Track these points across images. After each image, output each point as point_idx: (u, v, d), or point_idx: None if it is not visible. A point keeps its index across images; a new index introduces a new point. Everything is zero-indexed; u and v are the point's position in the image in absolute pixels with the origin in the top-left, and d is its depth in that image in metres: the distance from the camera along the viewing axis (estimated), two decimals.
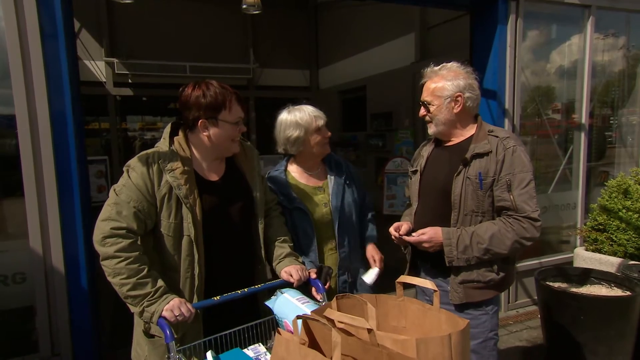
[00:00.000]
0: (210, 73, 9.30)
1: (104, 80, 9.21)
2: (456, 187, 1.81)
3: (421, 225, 1.87)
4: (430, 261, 1.93)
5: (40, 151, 2.44)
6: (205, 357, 1.40)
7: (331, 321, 1.01)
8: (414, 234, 1.85)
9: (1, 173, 2.59)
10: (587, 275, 3.12)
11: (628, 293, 2.81)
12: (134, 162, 1.57)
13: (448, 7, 4.38)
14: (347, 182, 2.16)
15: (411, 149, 7.72)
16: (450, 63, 1.91)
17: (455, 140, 1.93)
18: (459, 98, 1.83)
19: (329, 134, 2.10)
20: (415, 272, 2.06)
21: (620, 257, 3.38)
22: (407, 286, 1.27)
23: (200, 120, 1.60)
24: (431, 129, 1.94)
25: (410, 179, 2.11)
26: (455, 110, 1.85)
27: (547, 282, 3.02)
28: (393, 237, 1.91)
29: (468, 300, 1.83)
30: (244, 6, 7.34)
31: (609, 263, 3.36)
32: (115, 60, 9.05)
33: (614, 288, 2.96)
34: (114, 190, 1.55)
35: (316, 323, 1.07)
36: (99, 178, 5.91)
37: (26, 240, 2.46)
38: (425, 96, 1.90)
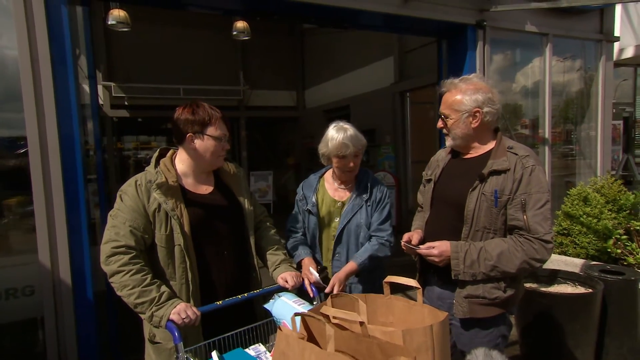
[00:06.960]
0: (203, 95, 9.40)
1: (102, 102, 9.18)
2: (470, 202, 1.69)
3: (432, 235, 1.80)
4: (437, 274, 1.82)
5: (49, 170, 2.44)
6: (211, 357, 1.45)
7: (326, 317, 1.08)
8: (422, 246, 1.76)
9: (13, 191, 2.60)
10: (554, 276, 3.22)
11: (590, 290, 2.91)
12: (125, 187, 1.67)
13: (422, 34, 4.58)
14: (368, 205, 2.10)
15: (392, 163, 7.86)
16: (471, 75, 1.78)
17: (474, 154, 1.79)
18: (477, 113, 1.70)
19: (352, 164, 2.04)
20: (424, 281, 1.94)
21: (582, 258, 3.50)
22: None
23: (188, 134, 1.69)
24: (448, 142, 1.82)
25: (424, 186, 2.00)
26: (473, 125, 1.72)
27: None
28: (403, 246, 1.82)
29: (472, 315, 1.70)
30: (235, 32, 7.44)
31: (573, 264, 3.47)
32: (112, 84, 9.06)
33: (578, 286, 3.06)
34: (110, 215, 1.64)
35: (313, 320, 1.14)
36: (95, 196, 5.92)
37: (35, 255, 2.45)
38: (444, 109, 1.77)
